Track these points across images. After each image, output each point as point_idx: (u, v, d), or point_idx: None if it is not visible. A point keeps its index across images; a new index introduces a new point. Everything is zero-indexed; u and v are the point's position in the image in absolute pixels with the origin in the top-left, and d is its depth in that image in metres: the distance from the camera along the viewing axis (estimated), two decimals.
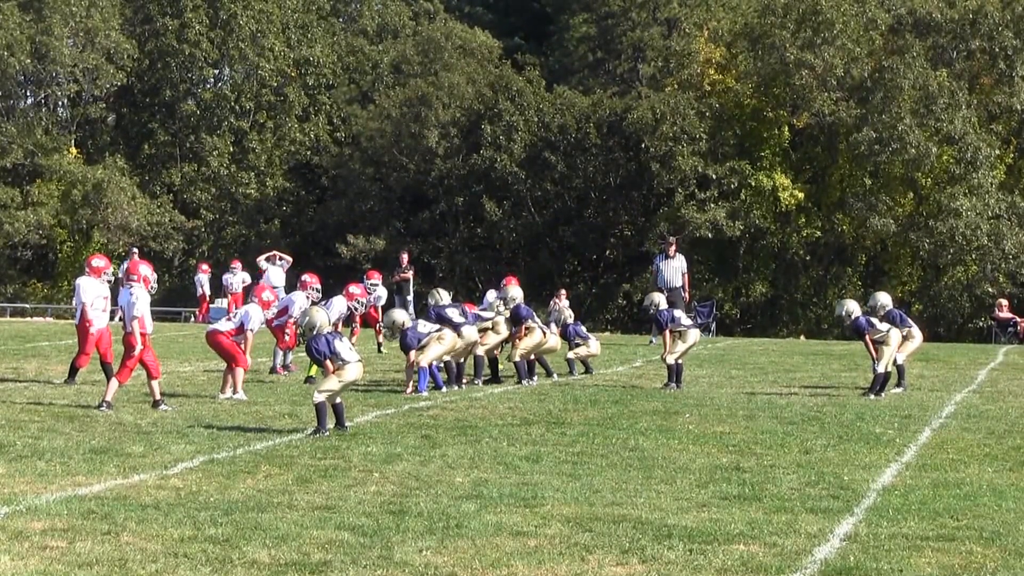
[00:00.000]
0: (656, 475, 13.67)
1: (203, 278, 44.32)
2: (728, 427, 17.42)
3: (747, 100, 55.21)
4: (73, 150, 63.68)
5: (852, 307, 22.09)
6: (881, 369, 21.44)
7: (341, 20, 73.45)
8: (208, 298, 44.50)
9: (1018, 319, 40.54)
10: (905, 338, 22.19)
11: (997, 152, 51.59)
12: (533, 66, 63.16)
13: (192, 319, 46.91)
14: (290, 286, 44.14)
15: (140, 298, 18.77)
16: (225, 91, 65.16)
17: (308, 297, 24.35)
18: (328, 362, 16.56)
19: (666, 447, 15.62)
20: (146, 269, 19.46)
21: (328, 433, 16.24)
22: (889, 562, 10.11)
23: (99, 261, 21.92)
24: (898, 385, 22.02)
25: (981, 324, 50.10)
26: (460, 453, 14.95)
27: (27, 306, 55.53)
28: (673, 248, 33.11)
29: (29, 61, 61.25)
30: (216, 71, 66.45)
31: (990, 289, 50.04)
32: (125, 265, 25.42)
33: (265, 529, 10.85)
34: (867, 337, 21.49)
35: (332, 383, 16.52)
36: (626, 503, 12.17)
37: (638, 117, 54.56)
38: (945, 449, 15.73)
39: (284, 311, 24.01)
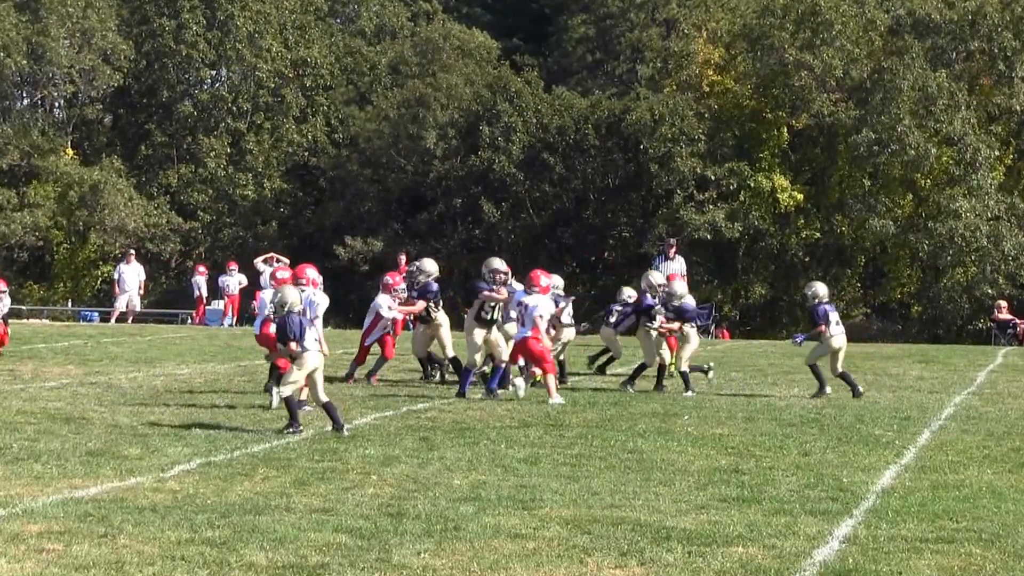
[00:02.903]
0: (655, 477, 13.65)
1: (200, 280, 44.28)
2: (727, 429, 17.40)
3: (746, 101, 55.21)
4: (69, 151, 63.59)
5: (821, 292, 22.08)
6: (811, 362, 21.68)
7: (339, 21, 73.31)
8: (205, 300, 44.45)
9: (1017, 321, 40.51)
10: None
11: (996, 153, 51.54)
12: (531, 67, 63.14)
13: (189, 321, 46.83)
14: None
15: (322, 303, 19.43)
16: (222, 92, 65.05)
17: (395, 297, 23.16)
18: (294, 344, 16.63)
19: (665, 449, 15.59)
20: (313, 272, 20.04)
21: (301, 428, 16.37)
22: (888, 564, 10.09)
23: (284, 274, 21.96)
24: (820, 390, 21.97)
25: (980, 326, 50.02)
26: (458, 455, 14.92)
27: (23, 308, 55.44)
28: (673, 250, 33.09)
29: (25, 62, 61.15)
30: (213, 72, 66.34)
31: (989, 291, 49.92)
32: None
33: (262, 532, 10.82)
34: (821, 327, 21.45)
35: (294, 374, 16.64)
36: (625, 505, 12.14)
37: (637, 118, 54.54)
38: (944, 451, 15.71)
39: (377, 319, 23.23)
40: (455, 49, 63.94)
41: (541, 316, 20.56)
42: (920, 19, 53.13)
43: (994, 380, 24.55)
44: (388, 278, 23.37)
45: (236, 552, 10.16)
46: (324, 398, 16.78)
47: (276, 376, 21.70)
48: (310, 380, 16.81)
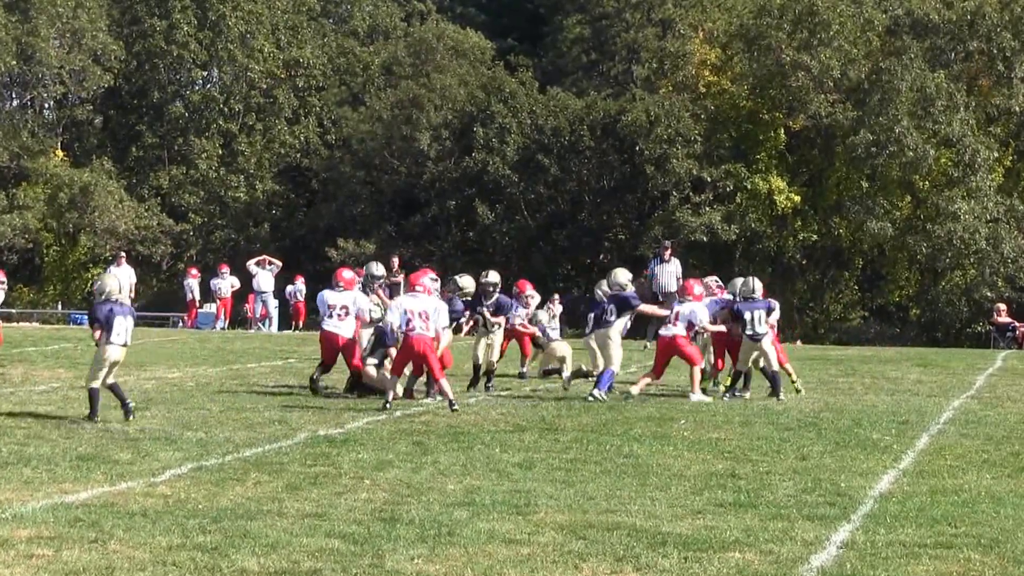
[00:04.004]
0: (651, 482, 13.56)
1: (192, 283, 44.09)
2: (723, 433, 17.30)
3: (743, 102, 55.09)
4: (59, 153, 63.49)
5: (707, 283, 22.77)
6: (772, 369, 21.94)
7: (331, 21, 73.30)
8: (197, 303, 44.28)
9: (1017, 324, 40.42)
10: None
11: (995, 155, 51.38)
12: (526, 68, 63.16)
13: (180, 324, 46.71)
14: (279, 289, 44.25)
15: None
16: (214, 93, 64.97)
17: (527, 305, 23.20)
18: (98, 331, 17.49)
19: (661, 453, 15.50)
20: (428, 279, 20.23)
21: (99, 419, 17.17)
22: (886, 570, 10.05)
23: (349, 274, 22.50)
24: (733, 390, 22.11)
25: (979, 329, 49.85)
26: (452, 460, 14.83)
27: (12, 311, 55.29)
28: (668, 252, 33.13)
29: (15, 62, 60.99)
30: (204, 73, 66.24)
31: (988, 293, 49.76)
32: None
33: (254, 537, 10.76)
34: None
35: (97, 367, 17.51)
36: (620, 510, 12.06)
37: (632, 119, 54.50)
38: (943, 455, 15.63)
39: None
40: (449, 49, 63.92)
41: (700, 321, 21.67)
42: (918, 19, 53.03)
43: (993, 384, 24.46)
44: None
45: (228, 558, 10.09)
46: (110, 382, 17.70)
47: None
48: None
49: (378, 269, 23.53)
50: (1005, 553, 10.61)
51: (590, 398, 20.76)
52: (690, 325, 21.57)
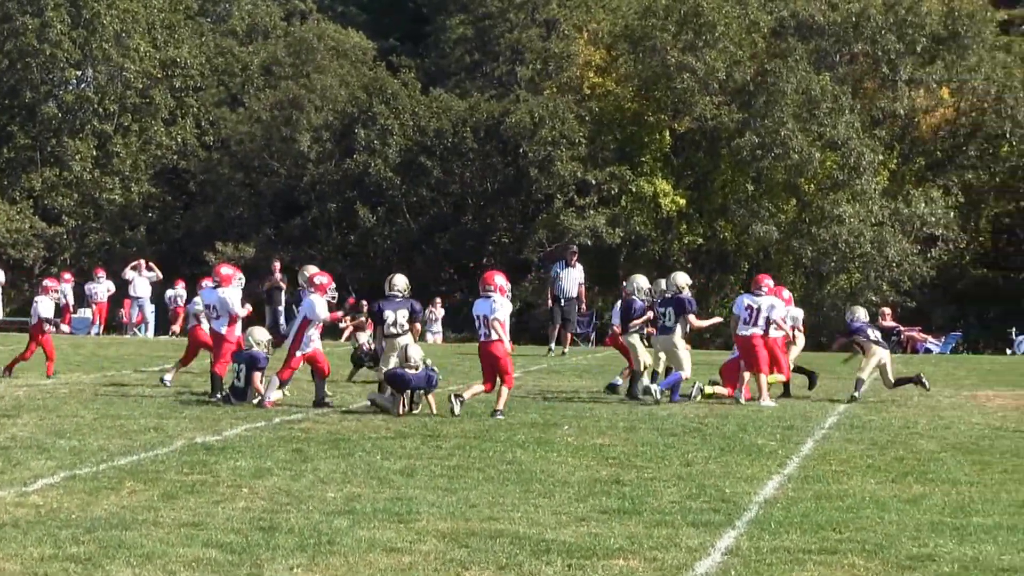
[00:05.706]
0: (534, 489, 13.52)
1: (66, 288, 43.33)
2: (608, 439, 17.27)
3: (627, 104, 55.24)
4: None
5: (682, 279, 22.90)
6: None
7: (209, 20, 72.70)
8: (71, 308, 43.59)
9: (901, 328, 40.76)
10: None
11: (880, 158, 51.92)
12: (408, 68, 62.99)
13: (54, 330, 45.92)
14: (158, 294, 43.70)
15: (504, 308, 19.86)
16: (88, 93, 63.93)
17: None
18: None
19: (544, 460, 15.43)
20: (501, 279, 20.17)
21: None
22: None
23: (227, 269, 22.33)
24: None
25: None
26: (332, 467, 14.68)
27: None
28: (575, 257, 33.45)
29: None
30: (78, 72, 65.12)
31: (873, 298, 50.13)
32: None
33: (129, 547, 10.59)
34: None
35: None
36: (503, 518, 12.01)
37: (516, 121, 54.45)
38: (828, 460, 15.72)
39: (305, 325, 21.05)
40: (330, 49, 63.68)
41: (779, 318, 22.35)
42: (803, 21, 53.51)
43: (878, 388, 24.63)
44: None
45: (102, 568, 9.96)
46: None
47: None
48: None
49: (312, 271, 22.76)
50: (889, 558, 10.67)
51: (656, 395, 21.37)
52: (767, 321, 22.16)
